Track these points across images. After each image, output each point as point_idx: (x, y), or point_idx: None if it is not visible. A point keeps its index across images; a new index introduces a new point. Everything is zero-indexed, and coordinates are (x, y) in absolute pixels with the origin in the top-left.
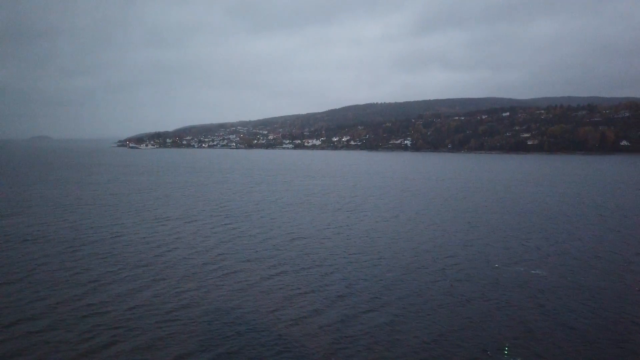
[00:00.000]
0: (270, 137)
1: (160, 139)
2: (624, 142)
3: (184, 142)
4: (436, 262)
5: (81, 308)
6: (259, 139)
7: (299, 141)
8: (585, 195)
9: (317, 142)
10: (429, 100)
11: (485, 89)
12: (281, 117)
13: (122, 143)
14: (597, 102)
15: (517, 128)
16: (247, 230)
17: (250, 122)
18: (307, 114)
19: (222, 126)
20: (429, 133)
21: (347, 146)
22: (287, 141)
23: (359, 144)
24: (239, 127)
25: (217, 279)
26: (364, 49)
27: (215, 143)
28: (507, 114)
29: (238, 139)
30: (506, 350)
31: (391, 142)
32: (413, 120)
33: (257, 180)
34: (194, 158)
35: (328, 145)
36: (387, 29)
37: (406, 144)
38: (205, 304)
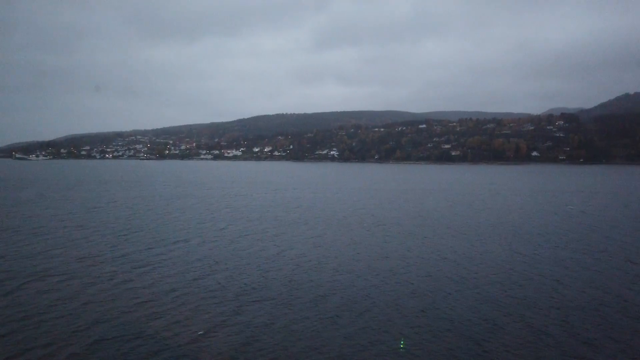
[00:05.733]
0: (183, 147)
1: (52, 148)
2: (534, 153)
3: (83, 152)
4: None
5: None
6: (170, 149)
7: (217, 152)
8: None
9: (238, 153)
10: (336, 112)
11: (380, 102)
12: (185, 126)
13: (4, 153)
14: (481, 117)
15: (436, 139)
16: (301, 255)
17: (148, 131)
18: (212, 124)
19: (119, 135)
20: (354, 144)
21: (270, 157)
22: (204, 151)
23: (283, 154)
24: (138, 137)
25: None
26: (263, 61)
27: (120, 153)
28: (424, 126)
29: (146, 148)
30: None
31: (317, 152)
32: (335, 131)
33: (222, 193)
34: (111, 170)
35: (250, 156)
36: (285, 44)
37: (333, 154)
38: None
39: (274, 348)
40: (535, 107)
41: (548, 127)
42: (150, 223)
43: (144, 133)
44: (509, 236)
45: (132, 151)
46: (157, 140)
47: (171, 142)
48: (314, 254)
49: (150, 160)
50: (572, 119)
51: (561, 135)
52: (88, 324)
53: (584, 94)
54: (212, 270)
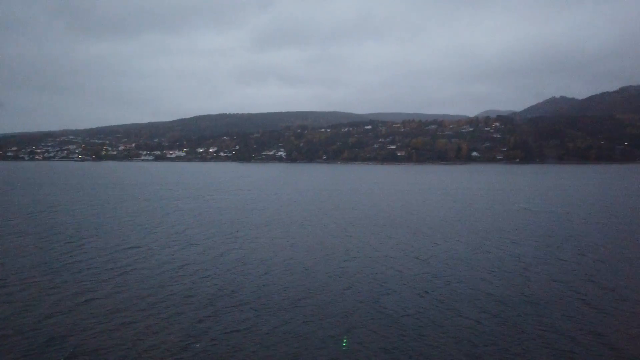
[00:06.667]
0: (122, 147)
1: None
2: (474, 153)
3: (9, 153)
4: None
5: None
6: (107, 150)
7: (159, 152)
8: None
9: (181, 154)
10: (281, 112)
11: (324, 103)
12: (121, 125)
13: None
14: (422, 118)
15: (382, 140)
16: (268, 258)
17: (81, 130)
18: (151, 123)
19: (49, 135)
20: (301, 144)
21: (216, 157)
22: (145, 152)
23: (229, 155)
24: (70, 137)
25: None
26: (204, 60)
27: (52, 154)
28: (370, 127)
29: (80, 149)
30: None
31: (264, 153)
32: (281, 132)
33: (170, 195)
34: (45, 172)
35: (194, 156)
36: (227, 43)
37: (280, 155)
38: None
39: (270, 353)
40: (470, 109)
41: (485, 129)
42: (101, 228)
43: (77, 133)
44: (468, 234)
45: (65, 152)
46: (92, 140)
47: (107, 142)
48: (282, 256)
49: (87, 162)
50: (507, 121)
51: (498, 136)
52: (59, 336)
53: (514, 97)
54: (179, 276)
